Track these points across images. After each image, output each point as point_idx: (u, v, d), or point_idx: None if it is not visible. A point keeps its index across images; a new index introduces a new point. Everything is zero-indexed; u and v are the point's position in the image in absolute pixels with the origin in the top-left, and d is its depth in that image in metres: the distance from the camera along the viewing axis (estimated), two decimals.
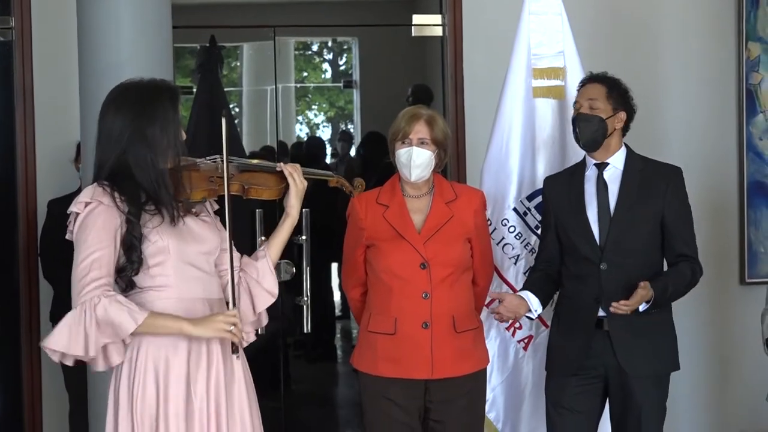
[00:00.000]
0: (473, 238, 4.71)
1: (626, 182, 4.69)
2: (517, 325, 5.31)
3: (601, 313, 4.62)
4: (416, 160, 4.60)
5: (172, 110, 3.68)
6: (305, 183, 3.96)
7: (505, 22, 5.93)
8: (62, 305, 6.06)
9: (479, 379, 4.74)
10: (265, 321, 3.99)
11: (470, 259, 4.71)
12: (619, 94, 4.74)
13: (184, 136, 3.75)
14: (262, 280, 3.89)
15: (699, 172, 6.81)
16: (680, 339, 6.34)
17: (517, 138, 5.38)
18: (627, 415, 4.67)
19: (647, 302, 4.52)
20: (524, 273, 5.25)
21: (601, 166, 4.73)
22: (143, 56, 4.93)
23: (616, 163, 4.74)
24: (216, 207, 3.92)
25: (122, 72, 4.50)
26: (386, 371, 4.61)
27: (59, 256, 5.97)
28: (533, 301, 4.71)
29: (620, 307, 4.41)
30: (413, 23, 7.18)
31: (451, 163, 6.44)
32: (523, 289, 4.82)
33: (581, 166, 4.82)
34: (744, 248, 6.84)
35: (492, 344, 5.24)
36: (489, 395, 5.11)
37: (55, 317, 6.19)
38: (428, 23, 7.04)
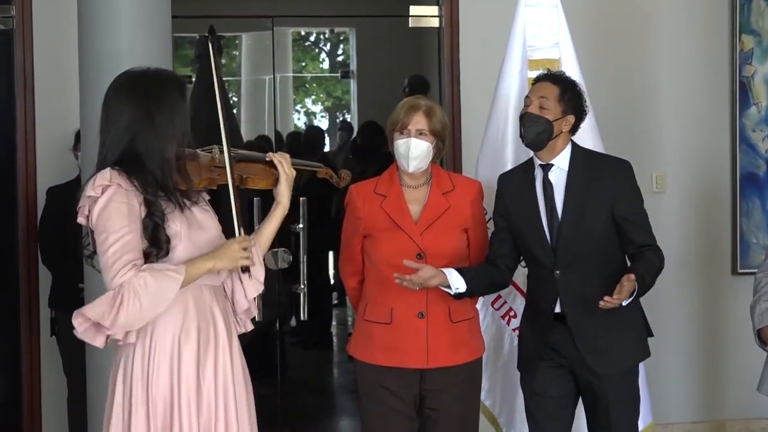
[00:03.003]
0: (470, 228, 4.73)
1: (572, 183, 4.56)
2: (512, 313, 5.35)
3: (558, 310, 4.55)
4: (414, 151, 4.61)
5: (181, 100, 3.71)
6: (294, 171, 3.98)
7: (501, 14, 5.95)
8: (61, 291, 6.13)
9: (475, 368, 4.76)
10: (254, 312, 4.00)
11: (467, 250, 4.73)
12: (571, 98, 4.58)
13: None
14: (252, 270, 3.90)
15: (692, 163, 6.87)
16: (673, 328, 6.38)
17: (513, 129, 5.40)
18: (596, 408, 4.62)
19: (630, 296, 4.36)
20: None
21: (546, 168, 4.59)
22: (143, 45, 4.93)
23: (561, 163, 4.59)
24: (208, 197, 3.92)
25: (122, 61, 4.52)
26: (382, 360, 4.64)
27: (58, 243, 6.03)
28: (454, 278, 4.49)
29: (612, 301, 4.26)
30: (410, 14, 7.20)
31: (447, 154, 6.47)
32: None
33: (533, 165, 4.68)
34: (736, 239, 6.87)
35: (488, 333, 5.27)
36: (485, 383, 5.14)
37: (54, 303, 6.23)
38: (425, 14, 7.06)
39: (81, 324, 3.64)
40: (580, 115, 4.63)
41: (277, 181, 3.97)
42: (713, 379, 6.91)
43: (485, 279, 4.62)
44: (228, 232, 3.87)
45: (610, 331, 4.53)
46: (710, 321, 6.90)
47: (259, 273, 3.92)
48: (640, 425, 5.10)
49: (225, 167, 3.81)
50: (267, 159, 3.99)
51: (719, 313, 6.92)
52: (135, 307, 3.55)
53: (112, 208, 3.60)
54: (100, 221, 3.61)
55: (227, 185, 3.82)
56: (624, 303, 4.35)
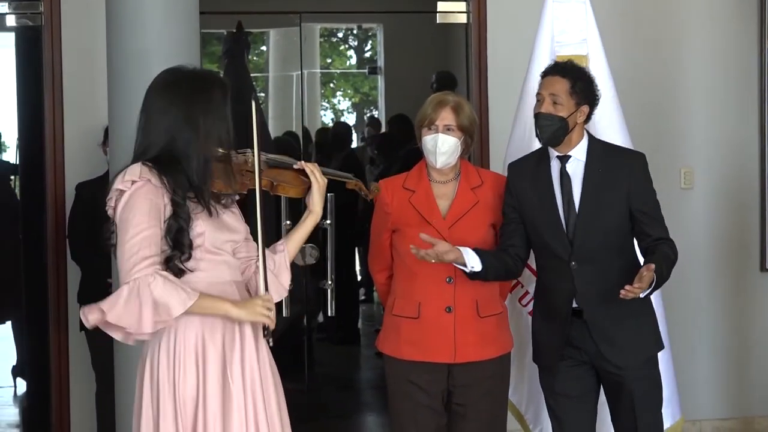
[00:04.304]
0: (497, 223, 4.71)
1: (589, 174, 4.54)
2: None
3: (575, 305, 4.52)
4: (442, 147, 4.61)
5: (224, 104, 3.71)
6: (326, 180, 3.99)
7: (529, 10, 5.95)
8: (90, 286, 6.15)
9: (503, 363, 4.76)
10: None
11: (495, 245, 4.71)
12: (583, 87, 4.54)
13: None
14: (279, 273, 3.92)
15: (720, 161, 6.85)
16: (702, 325, 6.36)
17: None
18: (620, 400, 4.60)
19: (649, 286, 4.32)
20: None
21: (564, 159, 4.56)
22: (170, 42, 4.94)
23: (578, 154, 4.57)
24: (236, 197, 3.92)
25: (149, 57, 4.54)
26: (410, 355, 4.64)
27: (87, 239, 6.06)
28: (470, 257, 4.46)
29: (633, 290, 4.22)
30: (438, 10, 7.20)
31: (475, 149, 6.45)
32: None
33: (546, 155, 4.64)
34: (765, 235, 6.84)
35: (513, 329, 5.26)
36: (511, 379, 5.13)
37: (83, 299, 6.25)
38: (453, 10, 7.06)
39: (96, 319, 3.62)
40: (593, 103, 4.59)
41: (307, 190, 3.97)
42: (742, 376, 6.89)
43: (500, 264, 4.58)
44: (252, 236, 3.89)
45: (627, 323, 4.52)
46: (739, 317, 6.88)
47: (285, 279, 3.94)
48: (669, 421, 5.10)
49: (255, 172, 3.81)
50: (296, 167, 3.99)
51: (748, 309, 6.90)
52: (135, 305, 3.55)
53: (136, 203, 3.60)
54: (123, 214, 3.62)
55: (255, 190, 3.82)
56: (642, 294, 4.32)
